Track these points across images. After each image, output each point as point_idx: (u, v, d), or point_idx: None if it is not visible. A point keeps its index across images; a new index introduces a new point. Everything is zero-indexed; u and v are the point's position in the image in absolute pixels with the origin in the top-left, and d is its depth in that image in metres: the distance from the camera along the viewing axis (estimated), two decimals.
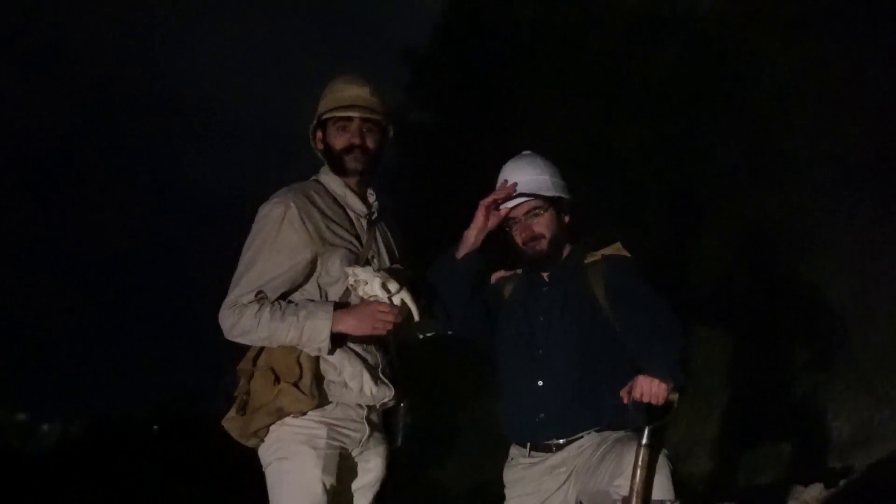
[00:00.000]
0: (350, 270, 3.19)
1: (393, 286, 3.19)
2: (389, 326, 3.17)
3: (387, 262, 3.40)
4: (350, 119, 3.34)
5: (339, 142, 3.36)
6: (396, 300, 3.20)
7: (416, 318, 3.27)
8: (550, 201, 3.56)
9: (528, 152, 3.72)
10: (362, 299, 3.23)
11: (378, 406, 3.33)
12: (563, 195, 3.59)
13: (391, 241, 3.53)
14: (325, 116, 3.38)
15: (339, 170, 3.39)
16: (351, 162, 3.36)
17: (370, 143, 3.37)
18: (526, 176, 3.56)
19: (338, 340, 3.18)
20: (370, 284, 3.17)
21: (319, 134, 3.44)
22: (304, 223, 3.23)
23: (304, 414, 3.17)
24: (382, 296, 3.17)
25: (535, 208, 3.55)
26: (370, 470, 3.36)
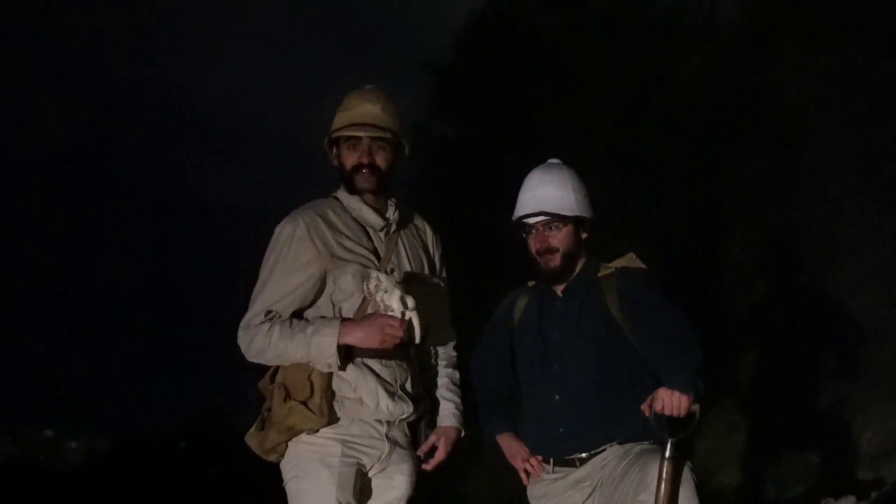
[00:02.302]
0: (375, 274, 3.16)
1: (410, 302, 3.15)
2: (396, 341, 3.13)
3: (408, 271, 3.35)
4: (359, 138, 3.30)
5: (349, 161, 3.32)
6: (408, 316, 3.16)
7: (417, 340, 3.23)
8: (570, 218, 3.54)
9: (556, 162, 3.68)
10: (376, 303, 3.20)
11: (397, 422, 3.30)
12: (584, 215, 3.55)
13: (419, 251, 3.48)
14: (335, 135, 3.35)
15: (351, 188, 3.35)
16: (361, 181, 3.31)
17: (380, 162, 3.31)
18: (550, 191, 3.53)
19: (349, 355, 3.16)
20: (390, 294, 3.13)
21: (334, 150, 3.40)
22: (312, 240, 3.21)
23: (316, 431, 3.15)
24: (397, 308, 3.13)
25: (555, 221, 3.52)
26: (394, 487, 3.31)
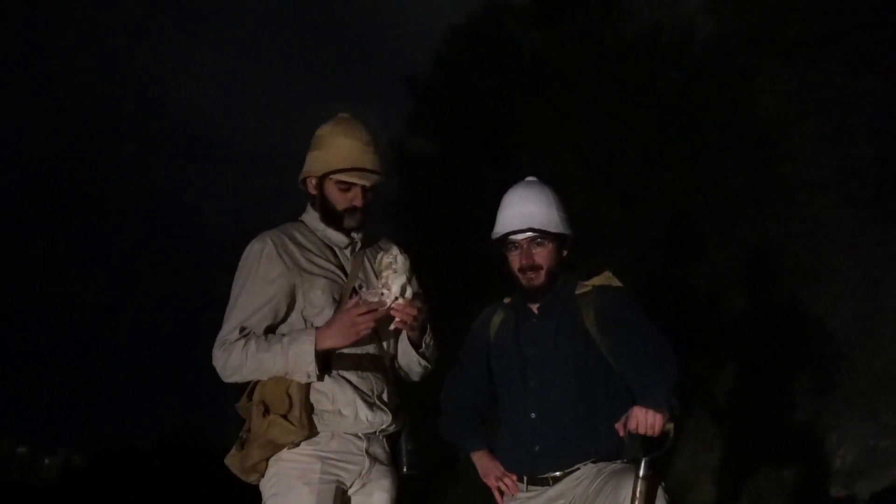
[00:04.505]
0: (396, 251, 3.18)
1: (409, 293, 3.14)
2: (371, 324, 3.13)
3: (367, 289, 3.32)
4: (355, 184, 3.32)
5: (339, 201, 3.34)
6: (400, 302, 3.13)
7: (392, 326, 3.23)
8: (555, 235, 3.54)
9: (534, 179, 3.69)
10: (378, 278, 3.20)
11: (378, 433, 3.30)
12: (567, 232, 3.57)
13: None
14: (330, 176, 3.34)
15: (335, 223, 3.37)
16: (349, 221, 3.34)
17: (368, 202, 3.36)
18: (535, 208, 3.53)
19: (326, 367, 3.17)
20: (397, 275, 3.13)
21: (314, 180, 3.40)
22: (279, 255, 3.25)
23: (297, 445, 3.15)
24: (395, 291, 3.12)
25: (540, 238, 3.52)
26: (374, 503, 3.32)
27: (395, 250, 3.18)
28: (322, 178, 3.37)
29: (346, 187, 3.32)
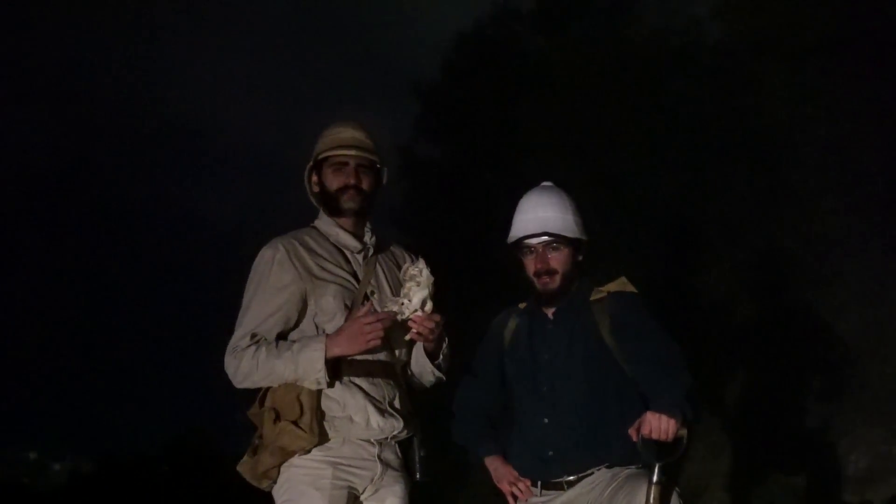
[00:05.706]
0: (423, 264, 3.15)
1: (429, 307, 3.12)
2: (381, 333, 3.10)
3: (389, 296, 3.32)
4: (346, 160, 3.34)
5: (334, 182, 3.35)
6: (419, 314, 3.11)
7: (407, 337, 3.20)
8: (570, 240, 3.55)
9: (551, 184, 3.71)
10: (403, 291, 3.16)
11: (389, 439, 3.29)
12: (582, 237, 3.58)
13: (397, 276, 3.43)
14: (321, 156, 3.38)
15: (334, 210, 3.38)
16: (346, 202, 3.34)
17: (365, 185, 3.36)
18: (551, 212, 3.55)
19: (336, 374, 3.16)
20: (419, 289, 3.11)
21: (315, 177, 3.43)
22: (291, 262, 3.24)
23: (308, 452, 3.14)
24: (416, 304, 3.10)
25: (556, 243, 3.53)
26: None
27: (421, 264, 3.15)
28: (320, 171, 3.40)
29: (340, 165, 3.34)
